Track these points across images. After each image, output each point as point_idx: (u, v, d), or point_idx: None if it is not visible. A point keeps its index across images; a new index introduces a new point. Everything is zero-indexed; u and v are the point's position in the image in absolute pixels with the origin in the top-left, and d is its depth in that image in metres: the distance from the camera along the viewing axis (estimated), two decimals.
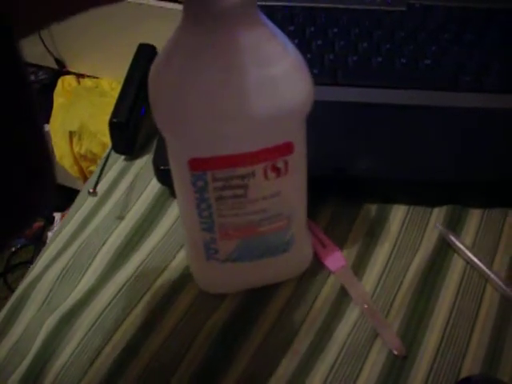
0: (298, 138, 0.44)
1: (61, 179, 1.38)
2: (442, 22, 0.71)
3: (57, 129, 1.28)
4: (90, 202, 0.61)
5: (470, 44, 0.68)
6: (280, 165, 0.43)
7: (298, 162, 0.45)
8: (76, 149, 1.20)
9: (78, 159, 1.19)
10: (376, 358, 0.49)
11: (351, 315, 0.52)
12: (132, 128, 0.62)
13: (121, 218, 0.59)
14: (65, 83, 1.32)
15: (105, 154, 0.65)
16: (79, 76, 1.33)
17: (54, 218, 1.32)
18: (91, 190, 0.60)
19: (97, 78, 1.34)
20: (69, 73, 1.32)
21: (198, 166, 0.42)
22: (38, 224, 1.37)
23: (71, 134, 1.21)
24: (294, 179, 0.45)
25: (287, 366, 0.49)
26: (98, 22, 1.21)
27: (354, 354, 0.49)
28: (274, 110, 0.40)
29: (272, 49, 0.39)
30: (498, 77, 0.64)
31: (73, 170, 1.21)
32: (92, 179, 0.63)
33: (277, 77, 0.39)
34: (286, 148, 0.43)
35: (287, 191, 0.46)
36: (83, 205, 0.61)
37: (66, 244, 0.58)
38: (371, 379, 0.48)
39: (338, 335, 0.51)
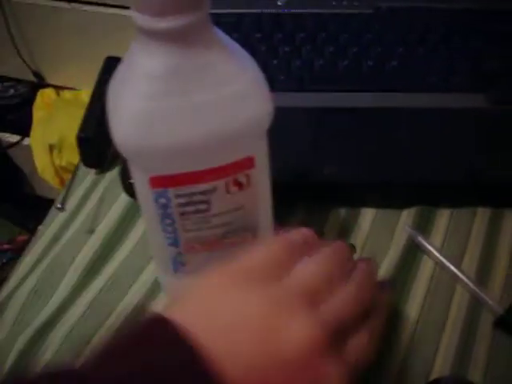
0: (260, 152, 0.44)
1: (43, 192, 1.38)
2: (408, 24, 0.71)
3: (37, 142, 1.27)
4: (61, 217, 0.61)
5: (436, 45, 0.68)
6: (242, 179, 0.43)
7: (260, 175, 0.44)
8: (57, 161, 1.19)
9: (59, 171, 1.19)
10: None
11: None
12: (101, 142, 0.62)
13: (91, 231, 0.59)
14: (44, 96, 1.32)
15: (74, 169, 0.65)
16: (58, 88, 1.32)
17: (38, 231, 1.31)
18: (59, 206, 0.60)
19: (76, 90, 1.33)
20: (48, 86, 1.32)
21: (159, 183, 0.42)
22: (23, 237, 1.36)
23: (51, 147, 1.21)
24: (256, 192, 0.45)
25: None
26: (76, 34, 1.21)
27: None
28: (233, 128, 0.40)
29: (229, 67, 0.39)
30: (464, 76, 0.65)
31: (55, 183, 1.21)
32: (62, 194, 0.63)
33: (234, 95, 0.39)
34: (247, 162, 0.43)
35: (250, 204, 0.45)
36: (54, 220, 0.61)
37: (37, 260, 0.58)
38: None
39: None
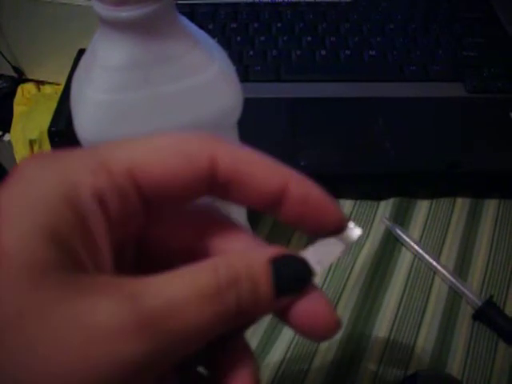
0: None
1: None
2: (387, 13, 0.70)
3: (18, 137, 1.26)
4: None
5: (414, 33, 0.67)
6: None
7: None
8: None
9: None
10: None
11: None
12: (73, 136, 0.61)
13: None
14: (24, 91, 1.30)
15: None
16: (39, 83, 1.30)
17: None
18: None
19: (57, 84, 1.32)
20: (28, 80, 1.30)
21: None
22: None
23: (32, 142, 1.19)
24: None
25: None
26: (56, 28, 1.19)
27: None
28: (199, 120, 0.38)
29: (194, 57, 0.38)
30: (443, 65, 0.64)
31: None
32: None
33: (200, 86, 0.38)
34: None
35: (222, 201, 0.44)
36: None
37: None
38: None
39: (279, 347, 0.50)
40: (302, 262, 0.24)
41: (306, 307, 0.24)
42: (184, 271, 0.21)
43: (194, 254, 0.25)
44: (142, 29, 0.35)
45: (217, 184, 0.24)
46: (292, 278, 0.23)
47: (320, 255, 0.25)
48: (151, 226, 0.26)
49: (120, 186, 0.22)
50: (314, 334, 0.24)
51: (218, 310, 0.21)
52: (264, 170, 0.25)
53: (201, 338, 0.21)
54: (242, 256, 0.23)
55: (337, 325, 0.24)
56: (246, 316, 0.22)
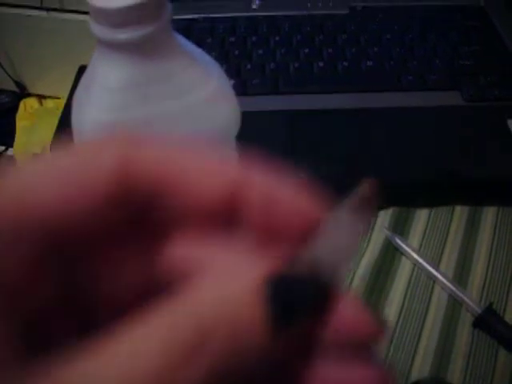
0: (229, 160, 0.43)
1: None
2: (383, 23, 0.71)
3: (21, 152, 1.27)
4: None
5: (411, 43, 0.68)
6: None
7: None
8: None
9: None
10: None
11: None
12: None
13: None
14: (27, 105, 1.31)
15: None
16: (41, 97, 1.31)
17: None
18: None
19: (59, 98, 1.33)
20: (30, 95, 1.31)
21: None
22: None
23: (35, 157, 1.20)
24: None
25: None
26: (57, 43, 1.20)
27: None
28: (198, 137, 0.39)
29: (191, 75, 0.38)
30: (440, 74, 0.64)
31: None
32: None
33: (198, 103, 0.38)
34: None
35: None
36: None
37: None
38: None
39: None
40: (311, 273, 0.16)
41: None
42: (121, 348, 0.14)
43: (148, 288, 0.19)
44: (140, 49, 0.36)
45: (137, 202, 0.17)
46: (300, 299, 0.16)
47: (333, 248, 0.18)
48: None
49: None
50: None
51: None
52: (202, 173, 0.18)
53: None
54: (205, 300, 0.15)
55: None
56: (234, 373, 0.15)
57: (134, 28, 0.35)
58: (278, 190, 0.18)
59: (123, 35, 0.35)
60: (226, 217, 0.18)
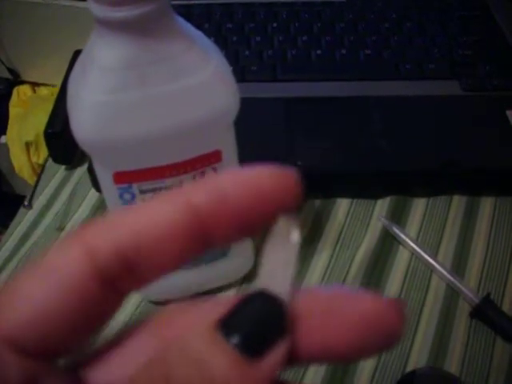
0: (227, 145, 0.42)
1: (23, 190, 1.37)
2: (382, 12, 0.70)
3: (14, 140, 1.26)
4: (30, 215, 0.60)
5: (410, 32, 0.67)
6: (209, 173, 0.42)
7: (228, 168, 0.43)
8: (34, 159, 1.18)
9: (36, 169, 1.18)
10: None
11: None
12: (69, 137, 0.61)
13: (61, 228, 0.58)
14: (20, 93, 1.30)
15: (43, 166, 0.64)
16: (34, 85, 1.30)
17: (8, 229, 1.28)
18: (26, 204, 0.58)
19: (53, 86, 1.32)
20: (24, 82, 1.30)
21: (122, 179, 0.41)
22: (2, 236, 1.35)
23: (28, 144, 1.19)
24: None
25: None
26: (51, 30, 1.19)
27: None
28: (195, 120, 0.39)
29: (190, 57, 0.38)
30: (438, 63, 0.64)
31: (32, 181, 1.20)
32: (30, 192, 0.62)
33: (196, 86, 0.38)
34: (214, 156, 0.42)
35: None
36: (23, 219, 0.60)
37: (6, 260, 0.57)
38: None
39: None
40: (262, 297, 0.17)
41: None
42: None
43: None
44: (138, 29, 0.35)
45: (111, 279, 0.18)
46: (255, 327, 0.17)
47: (278, 272, 0.18)
48: None
49: None
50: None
51: None
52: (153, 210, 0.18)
53: None
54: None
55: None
56: None
57: (132, 6, 0.34)
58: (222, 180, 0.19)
59: (121, 13, 0.34)
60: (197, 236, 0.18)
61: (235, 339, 0.16)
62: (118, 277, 0.18)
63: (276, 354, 0.16)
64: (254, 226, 0.19)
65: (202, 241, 0.18)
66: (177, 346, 0.17)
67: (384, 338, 0.17)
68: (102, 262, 0.17)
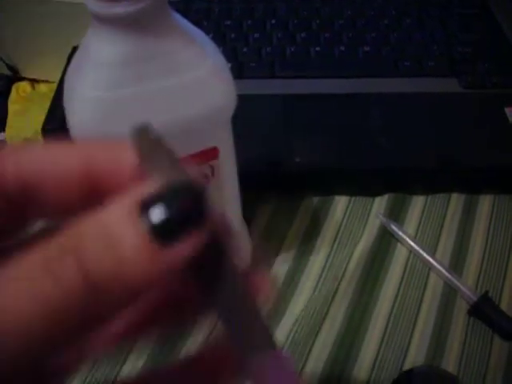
0: (224, 142, 0.42)
1: None
2: (381, 8, 0.70)
3: (13, 137, 1.25)
4: None
5: (409, 29, 0.67)
6: (206, 170, 0.42)
7: (225, 165, 0.43)
8: None
9: None
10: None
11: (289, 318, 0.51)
12: (67, 134, 0.61)
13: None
14: (19, 90, 1.30)
15: None
16: (34, 81, 1.30)
17: None
18: None
19: (52, 82, 1.32)
20: (23, 79, 1.30)
21: None
22: None
23: (27, 141, 1.19)
24: (222, 184, 0.44)
25: None
26: (51, 26, 1.19)
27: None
28: (192, 117, 0.38)
29: (187, 53, 0.37)
30: (437, 61, 0.64)
31: None
32: None
33: (193, 82, 0.38)
34: (211, 153, 0.41)
35: (216, 195, 0.44)
36: None
37: None
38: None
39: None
40: (187, 188, 0.18)
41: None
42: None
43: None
44: (135, 25, 0.35)
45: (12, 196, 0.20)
46: (173, 214, 0.17)
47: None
48: None
49: None
50: None
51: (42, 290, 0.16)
52: (54, 157, 0.20)
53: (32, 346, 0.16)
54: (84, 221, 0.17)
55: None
56: (112, 290, 0.17)
57: (129, 2, 0.34)
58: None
59: (118, 9, 0.34)
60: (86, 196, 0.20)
61: (151, 223, 0.17)
62: (19, 198, 0.20)
63: (188, 244, 0.17)
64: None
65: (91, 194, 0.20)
66: (93, 218, 0.17)
67: None
68: (6, 181, 0.19)
